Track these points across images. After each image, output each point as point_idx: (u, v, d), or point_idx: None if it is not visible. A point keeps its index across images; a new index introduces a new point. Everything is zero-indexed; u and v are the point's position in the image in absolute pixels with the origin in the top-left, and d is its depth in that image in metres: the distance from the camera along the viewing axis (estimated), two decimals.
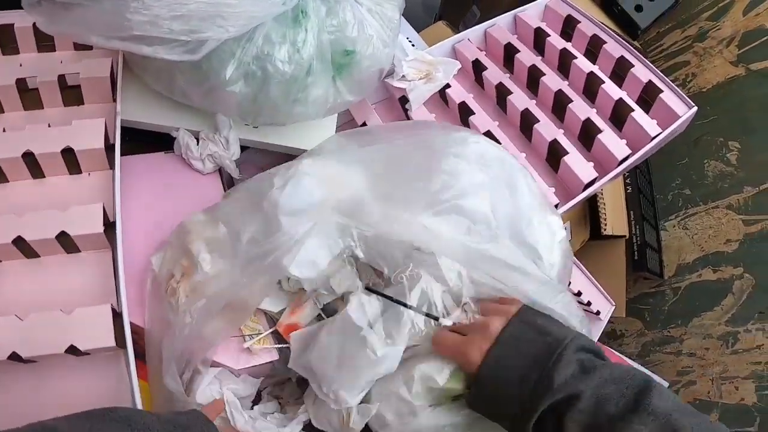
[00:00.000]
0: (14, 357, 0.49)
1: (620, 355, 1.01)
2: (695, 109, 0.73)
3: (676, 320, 1.10)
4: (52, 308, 0.51)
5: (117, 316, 0.52)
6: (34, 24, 0.66)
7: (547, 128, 0.73)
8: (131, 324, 0.53)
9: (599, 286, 0.90)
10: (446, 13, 1.20)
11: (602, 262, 1.07)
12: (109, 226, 0.56)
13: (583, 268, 0.88)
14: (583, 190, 0.68)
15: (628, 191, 1.07)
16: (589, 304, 0.88)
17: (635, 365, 1.01)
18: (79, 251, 0.57)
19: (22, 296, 0.54)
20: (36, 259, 0.56)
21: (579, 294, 0.85)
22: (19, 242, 0.53)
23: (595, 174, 0.68)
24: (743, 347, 0.97)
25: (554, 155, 0.72)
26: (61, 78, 0.64)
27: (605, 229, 1.00)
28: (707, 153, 1.10)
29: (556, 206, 0.66)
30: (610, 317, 1.00)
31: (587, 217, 1.05)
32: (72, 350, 0.51)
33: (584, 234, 1.06)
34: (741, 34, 1.09)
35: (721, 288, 1.03)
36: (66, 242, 0.55)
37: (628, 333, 1.20)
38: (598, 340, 0.92)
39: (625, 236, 1.05)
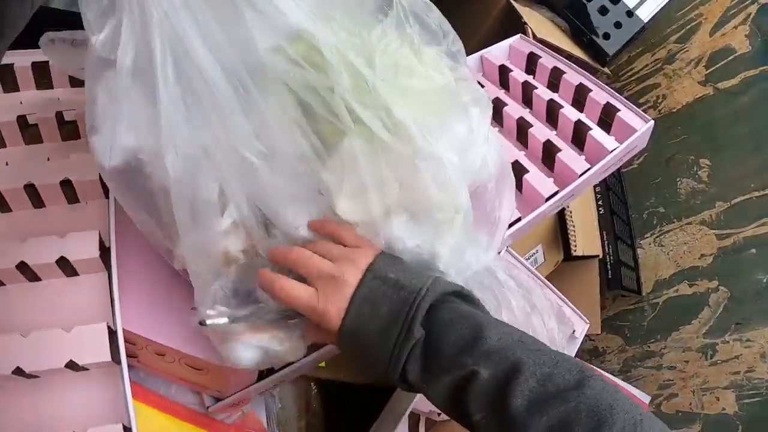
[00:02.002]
0: (18, 372, 0.55)
1: (602, 371, 1.08)
2: (651, 122, 0.80)
3: (655, 335, 1.16)
4: (52, 326, 0.57)
5: (112, 333, 0.60)
6: (32, 63, 0.73)
7: (510, 151, 0.84)
8: (129, 332, 0.60)
9: (572, 305, 0.96)
10: None
11: (576, 282, 1.14)
12: (105, 251, 0.63)
13: (556, 289, 0.95)
14: (545, 202, 0.77)
15: (601, 213, 1.16)
16: None
17: (618, 381, 1.07)
18: (78, 274, 0.63)
19: (25, 316, 0.60)
20: (37, 282, 0.62)
21: None
22: (22, 267, 0.60)
23: (555, 188, 0.77)
24: (722, 358, 1.04)
25: (517, 174, 0.82)
26: (59, 114, 0.70)
27: (575, 250, 1.08)
28: (679, 171, 1.18)
29: (519, 219, 0.75)
30: (591, 335, 1.06)
31: (559, 240, 1.13)
32: (71, 365, 0.57)
33: (557, 256, 1.14)
34: (708, 54, 1.18)
35: (697, 301, 1.09)
36: (65, 266, 0.61)
37: (610, 350, 1.26)
38: (578, 358, 0.98)
39: (598, 256, 1.12)
